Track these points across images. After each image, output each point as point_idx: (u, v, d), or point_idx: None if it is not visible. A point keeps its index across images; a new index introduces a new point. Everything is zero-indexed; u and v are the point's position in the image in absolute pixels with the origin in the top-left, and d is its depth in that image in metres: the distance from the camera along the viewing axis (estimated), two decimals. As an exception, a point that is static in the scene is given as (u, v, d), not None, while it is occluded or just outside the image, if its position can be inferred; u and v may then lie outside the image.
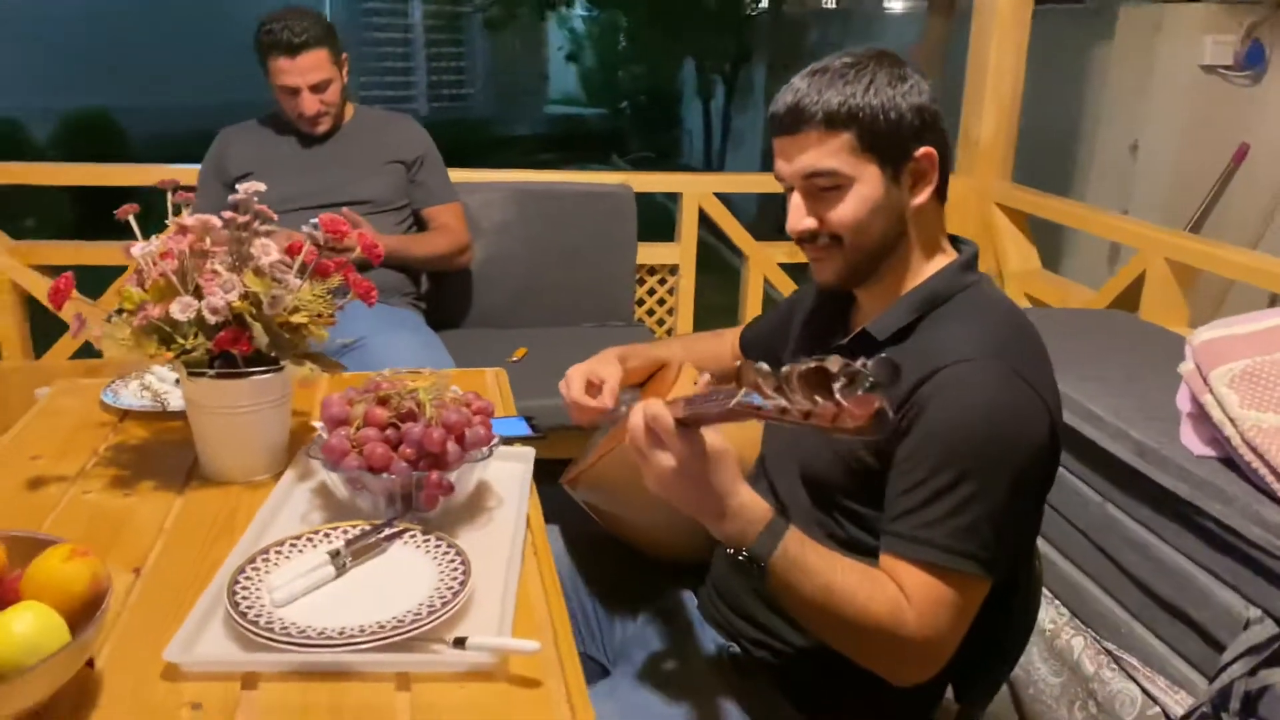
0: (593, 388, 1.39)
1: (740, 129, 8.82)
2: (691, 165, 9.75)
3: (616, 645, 1.37)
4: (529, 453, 1.37)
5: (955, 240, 1.21)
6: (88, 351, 2.68)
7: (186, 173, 2.54)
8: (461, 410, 1.18)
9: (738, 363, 1.26)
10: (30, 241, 2.70)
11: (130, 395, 1.53)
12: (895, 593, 1.03)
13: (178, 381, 1.53)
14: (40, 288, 2.67)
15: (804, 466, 1.19)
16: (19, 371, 2.31)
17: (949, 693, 1.25)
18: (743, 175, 3.37)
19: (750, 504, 1.05)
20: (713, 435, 1.02)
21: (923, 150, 1.11)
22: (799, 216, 1.14)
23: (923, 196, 1.13)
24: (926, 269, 1.17)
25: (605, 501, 1.41)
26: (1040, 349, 1.12)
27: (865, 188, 1.11)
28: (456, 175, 2.69)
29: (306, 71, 2.32)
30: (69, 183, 2.88)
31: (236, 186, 1.22)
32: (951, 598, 1.02)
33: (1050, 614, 1.64)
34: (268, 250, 1.19)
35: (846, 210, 1.11)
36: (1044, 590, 1.70)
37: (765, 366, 0.81)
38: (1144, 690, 1.43)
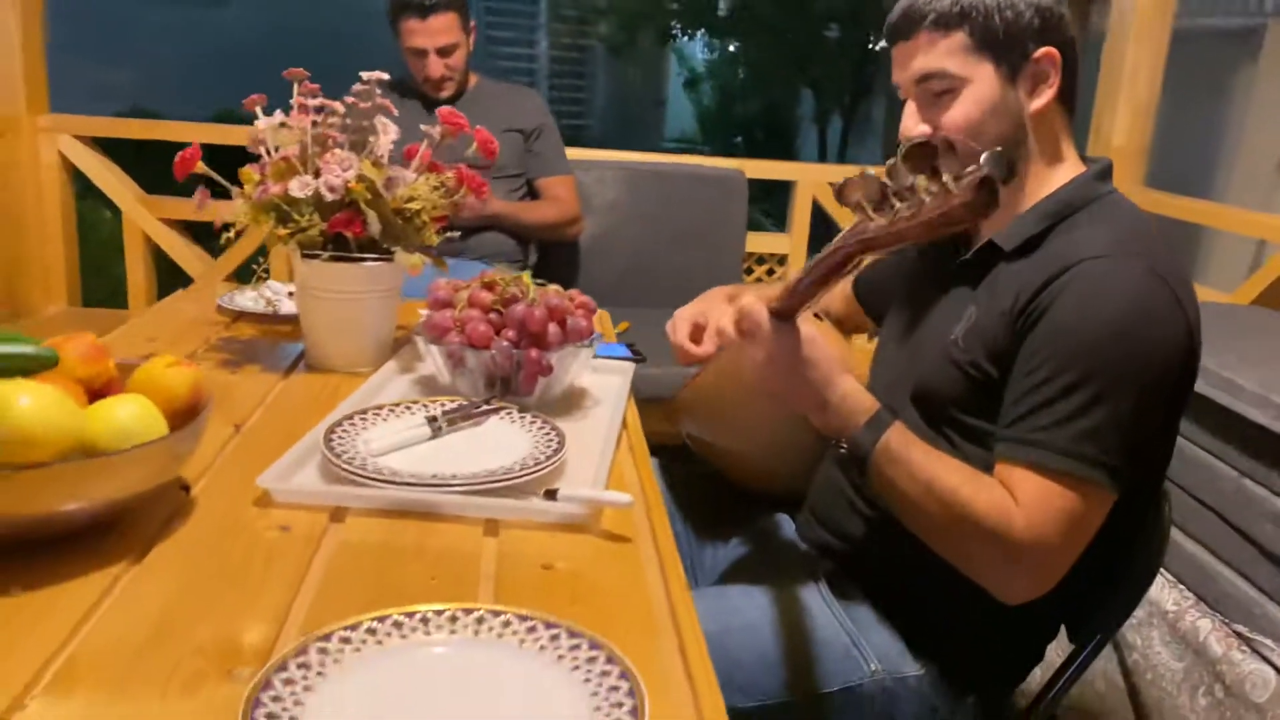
0: (699, 330, 1.36)
1: (857, 161, 8.74)
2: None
3: (707, 569, 1.33)
4: (629, 367, 1.35)
5: (1084, 158, 1.15)
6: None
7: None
8: (564, 298, 1.17)
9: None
10: (160, 195, 2.82)
11: (245, 300, 1.56)
12: (1004, 495, 0.96)
13: (290, 294, 1.57)
14: (167, 239, 2.79)
15: (918, 383, 1.13)
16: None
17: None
18: (860, 167, 3.27)
19: (853, 394, 1.01)
20: (809, 329, 0.99)
21: (1043, 51, 1.05)
22: (912, 123, 1.09)
23: (1042, 100, 1.07)
24: (1053, 179, 1.10)
25: (705, 430, 1.37)
26: (1179, 258, 1.04)
27: (979, 89, 1.05)
28: (572, 153, 2.71)
29: (436, 34, 2.37)
30: (199, 139, 3.02)
31: None
32: (1065, 504, 0.94)
33: (1174, 596, 1.52)
34: (387, 129, 1.20)
35: (959, 112, 1.06)
36: (1166, 573, 1.58)
37: (870, 170, 0.78)
38: (1278, 670, 1.31)
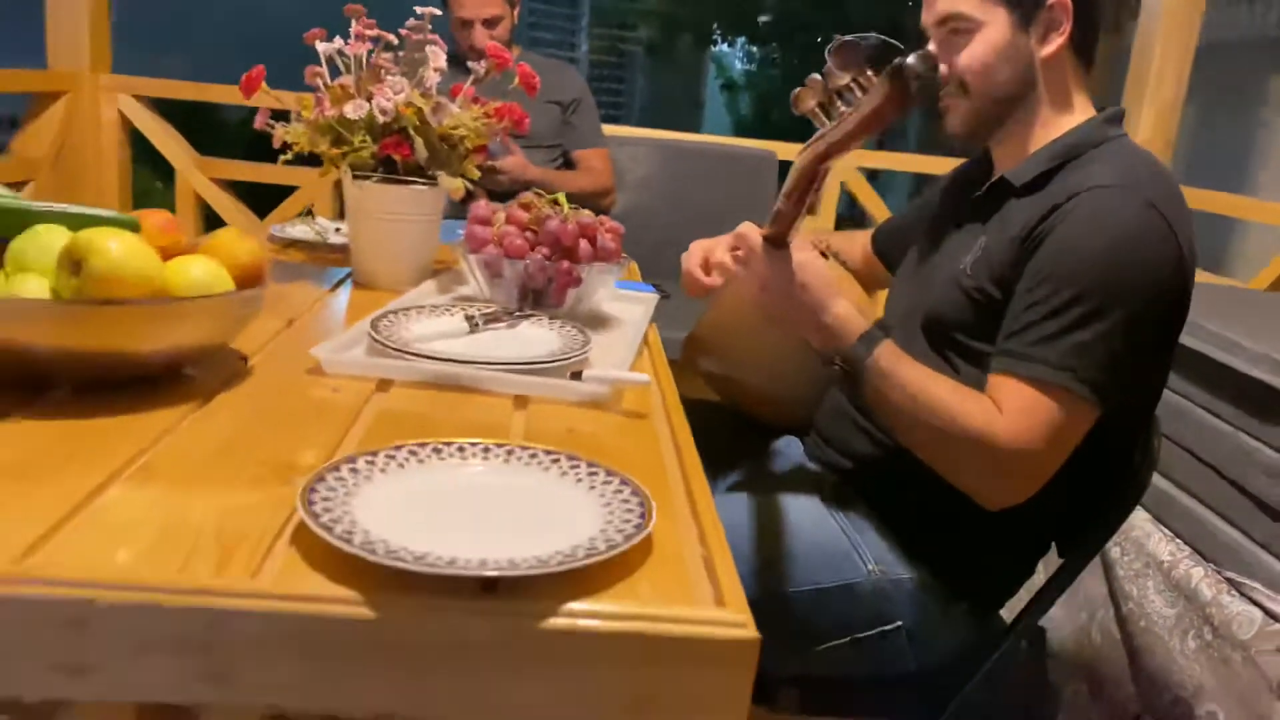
0: (709, 264, 1.44)
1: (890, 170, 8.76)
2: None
3: (721, 490, 1.40)
4: (652, 298, 1.43)
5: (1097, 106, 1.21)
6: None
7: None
8: (595, 220, 1.25)
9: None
10: (212, 158, 2.94)
11: (296, 231, 1.66)
12: (989, 404, 1.03)
13: (337, 229, 1.67)
14: (220, 201, 2.91)
15: (928, 311, 1.19)
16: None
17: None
18: (892, 154, 3.35)
19: (846, 316, 1.08)
20: (803, 255, 1.07)
21: None
22: None
23: (1052, 46, 1.13)
24: (1063, 123, 1.17)
25: (719, 364, 1.45)
26: (1182, 198, 1.11)
27: (992, 32, 1.13)
28: (609, 128, 2.80)
29: (481, 6, 2.48)
30: (239, 101, 3.17)
31: None
32: (1049, 414, 1.00)
33: (1169, 549, 1.58)
34: (439, 59, 1.29)
35: (972, 53, 1.13)
36: (1164, 526, 1.64)
37: (816, 75, 0.87)
38: (1264, 610, 1.36)
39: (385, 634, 0.60)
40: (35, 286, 0.83)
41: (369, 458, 0.74)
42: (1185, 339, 1.64)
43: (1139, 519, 1.68)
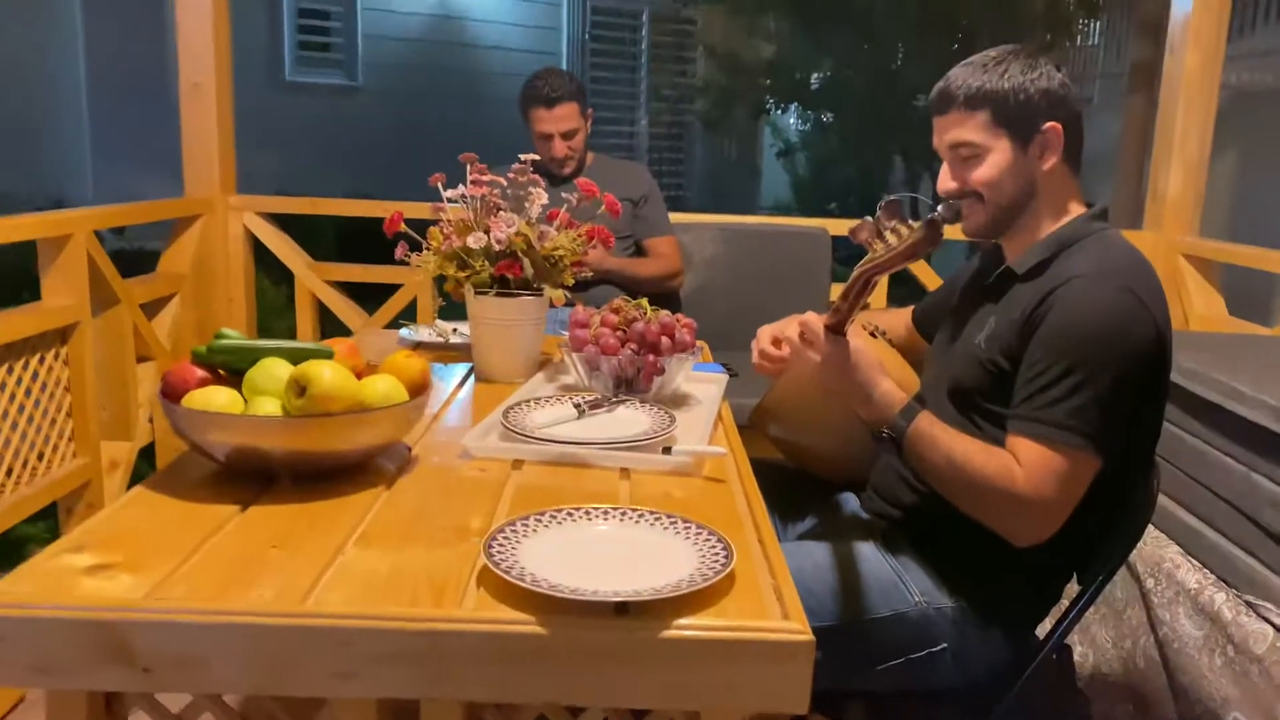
0: (778, 344, 1.70)
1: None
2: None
3: (789, 538, 1.64)
4: (723, 378, 1.70)
5: (1087, 204, 1.46)
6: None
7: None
8: (673, 319, 1.53)
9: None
10: (325, 263, 3.32)
11: (421, 335, 1.97)
12: (1009, 459, 1.27)
13: (454, 330, 1.97)
14: (331, 298, 3.27)
15: (953, 381, 1.44)
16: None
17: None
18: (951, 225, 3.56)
19: (890, 392, 1.34)
20: (857, 341, 1.33)
21: (1049, 125, 1.37)
22: (946, 179, 1.43)
23: (1050, 163, 1.38)
24: (1059, 220, 1.42)
25: (786, 429, 1.70)
26: (1155, 279, 1.34)
27: (999, 155, 1.38)
28: (675, 216, 3.10)
29: (560, 121, 2.80)
30: (344, 214, 3.59)
31: None
32: (1058, 465, 1.24)
33: (1196, 577, 1.77)
34: (541, 197, 1.60)
35: (983, 172, 1.39)
36: (1191, 558, 1.83)
37: (869, 219, 1.16)
38: (1276, 627, 1.55)
39: (550, 644, 0.87)
40: (269, 406, 1.14)
41: (524, 520, 1.02)
42: (1197, 388, 1.85)
43: (1170, 552, 1.88)
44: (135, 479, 2.64)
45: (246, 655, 0.87)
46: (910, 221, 1.16)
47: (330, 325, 3.31)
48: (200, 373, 1.19)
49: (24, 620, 0.86)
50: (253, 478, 1.15)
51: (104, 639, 0.86)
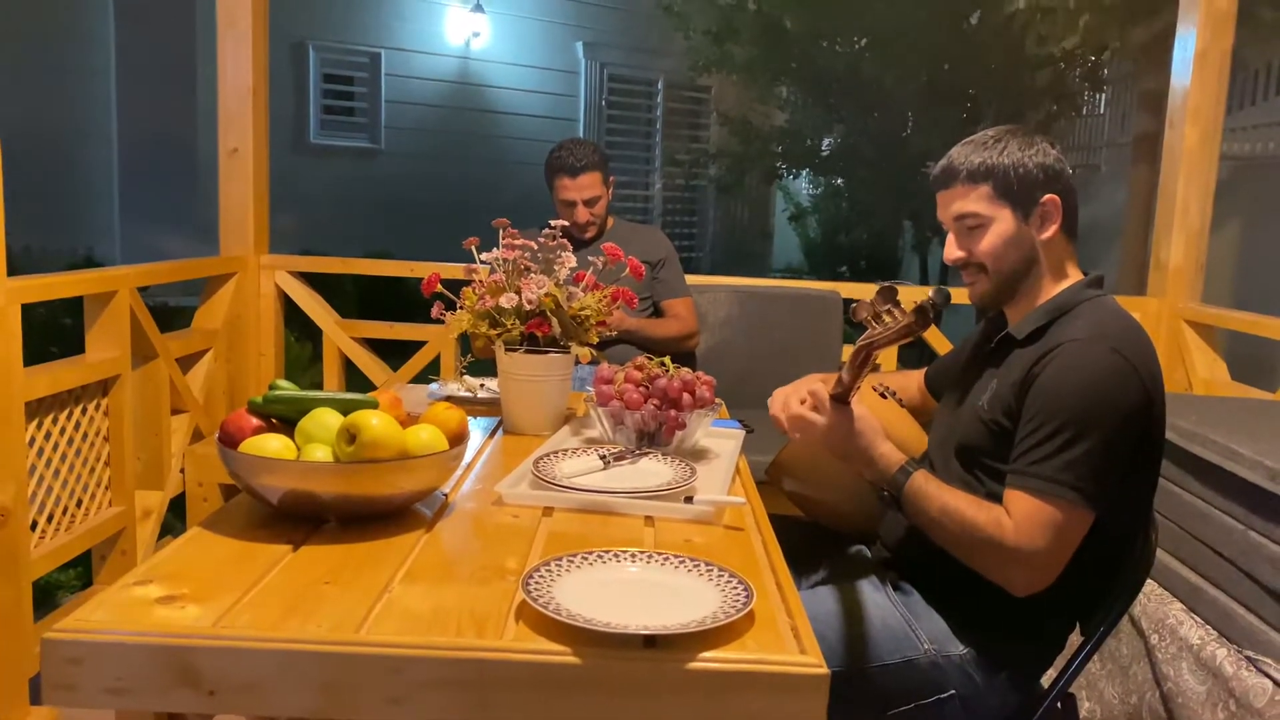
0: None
1: (954, 282, 9.04)
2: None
3: (804, 588, 1.71)
4: (740, 433, 1.78)
5: (1084, 271, 1.55)
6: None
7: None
8: (693, 376, 1.62)
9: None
10: (352, 320, 3.44)
11: (449, 390, 2.06)
12: (999, 512, 1.34)
13: (482, 385, 2.06)
14: (357, 354, 3.37)
15: (959, 440, 1.52)
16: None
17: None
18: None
19: (889, 454, 1.42)
20: (860, 408, 1.42)
21: (1047, 197, 1.47)
22: (952, 249, 1.53)
23: (1049, 232, 1.48)
24: (1057, 287, 1.51)
25: (800, 484, 1.78)
26: (1145, 342, 1.42)
27: (1001, 226, 1.47)
28: (691, 278, 3.21)
29: (583, 189, 2.92)
30: (373, 273, 3.72)
31: None
32: (1048, 517, 1.31)
33: (1199, 633, 1.82)
34: (570, 260, 1.70)
35: (987, 243, 1.48)
36: (1193, 614, 1.89)
37: (867, 300, 1.26)
38: (1275, 681, 1.60)
39: (584, 673, 0.94)
40: (321, 454, 1.22)
41: (557, 561, 1.09)
42: (1197, 449, 1.92)
43: (1173, 609, 1.93)
44: (165, 530, 2.72)
45: (306, 680, 0.94)
46: (902, 307, 1.28)
47: (355, 380, 3.41)
48: (255, 421, 1.28)
49: (103, 645, 0.94)
50: (302, 520, 1.23)
51: (175, 664, 0.94)
